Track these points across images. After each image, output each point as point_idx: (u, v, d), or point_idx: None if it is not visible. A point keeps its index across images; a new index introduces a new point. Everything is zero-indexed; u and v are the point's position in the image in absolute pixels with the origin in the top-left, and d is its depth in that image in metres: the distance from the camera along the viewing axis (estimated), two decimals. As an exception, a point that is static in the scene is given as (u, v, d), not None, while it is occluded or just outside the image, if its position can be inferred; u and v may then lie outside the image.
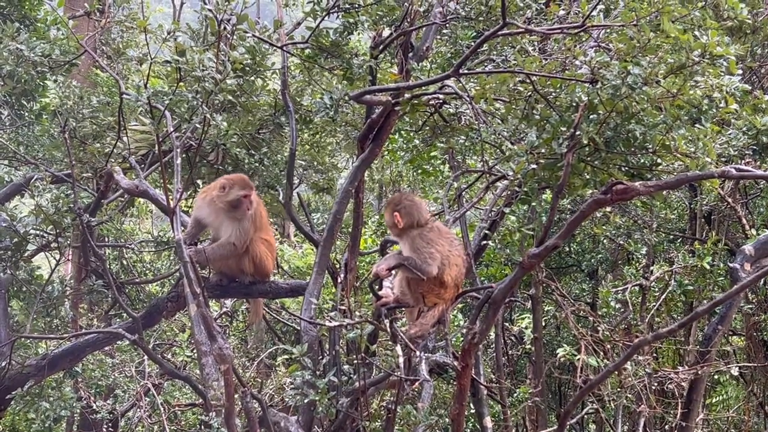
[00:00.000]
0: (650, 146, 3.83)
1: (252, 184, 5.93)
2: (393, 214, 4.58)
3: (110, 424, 8.33)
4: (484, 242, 6.01)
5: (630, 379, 6.77)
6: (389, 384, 5.44)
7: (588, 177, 4.12)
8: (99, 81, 8.21)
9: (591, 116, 3.97)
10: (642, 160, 3.93)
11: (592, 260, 8.97)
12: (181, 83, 5.15)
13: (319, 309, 5.47)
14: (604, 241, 9.25)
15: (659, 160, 3.87)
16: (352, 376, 5.18)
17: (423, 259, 4.37)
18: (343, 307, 5.21)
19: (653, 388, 6.92)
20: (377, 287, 4.73)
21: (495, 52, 5.21)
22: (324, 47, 5.74)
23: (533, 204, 4.17)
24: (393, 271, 4.54)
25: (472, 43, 4.94)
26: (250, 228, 5.98)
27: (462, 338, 6.93)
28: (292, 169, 6.23)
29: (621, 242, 8.68)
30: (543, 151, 4.05)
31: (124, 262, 8.90)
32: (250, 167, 6.91)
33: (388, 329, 4.60)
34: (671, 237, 9.00)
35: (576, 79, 3.95)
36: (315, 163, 7.89)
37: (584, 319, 8.65)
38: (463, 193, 6.97)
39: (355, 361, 5.31)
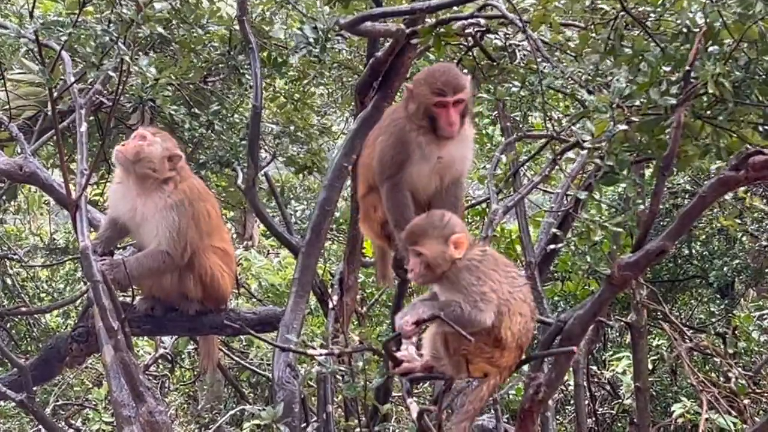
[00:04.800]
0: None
1: (165, 137, 5.99)
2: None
3: None
4: (553, 246, 5.99)
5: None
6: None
7: (708, 142, 4.10)
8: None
9: (711, 48, 3.96)
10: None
11: (725, 269, 8.95)
12: (87, 9, 5.18)
13: (304, 345, 5.52)
14: (743, 239, 9.21)
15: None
16: (352, 452, 5.23)
17: (472, 302, 4.32)
18: (338, 343, 5.25)
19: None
20: (394, 347, 4.74)
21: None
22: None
23: (625, 186, 4.16)
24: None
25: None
26: (189, 226, 6.01)
27: (521, 392, 6.93)
28: (256, 137, 6.24)
29: (768, 242, 8.68)
30: (638, 103, 4.04)
31: (9, 281, 8.97)
32: (193, 134, 6.94)
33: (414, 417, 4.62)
34: None
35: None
36: (293, 128, 7.90)
37: (712, 360, 8.64)
38: (522, 169, 6.95)
39: (357, 430, 5.34)
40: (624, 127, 4.09)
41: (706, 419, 7.26)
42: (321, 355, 5.05)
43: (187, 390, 10.67)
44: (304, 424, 5.74)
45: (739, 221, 8.34)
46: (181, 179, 6.04)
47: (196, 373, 10.08)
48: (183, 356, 10.03)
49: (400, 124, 5.03)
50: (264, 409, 5.05)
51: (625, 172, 4.25)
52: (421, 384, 9.23)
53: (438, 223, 4.38)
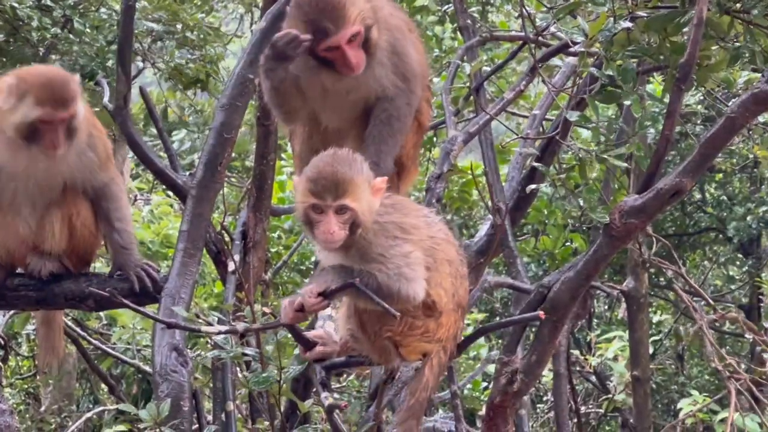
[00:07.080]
0: None
1: (71, 92, 5.88)
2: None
3: None
4: (531, 187, 6.03)
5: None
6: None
7: (738, 44, 4.18)
8: None
9: None
10: None
11: (749, 218, 9.06)
12: None
13: (193, 319, 5.52)
14: (772, 181, 9.37)
15: None
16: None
17: (395, 271, 4.27)
18: (241, 319, 5.31)
19: None
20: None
21: None
22: None
23: (628, 103, 4.24)
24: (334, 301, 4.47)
25: None
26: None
27: (479, 385, 7.07)
28: (129, 40, 6.26)
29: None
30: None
31: None
32: (44, 35, 6.91)
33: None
34: None
35: None
36: (179, 27, 7.88)
37: (737, 339, 8.82)
38: (486, 83, 7.00)
39: (268, 433, 5.42)
40: (627, 24, 4.16)
41: (723, 419, 7.41)
42: (219, 333, 5.08)
43: (25, 386, 10.66)
44: (196, 426, 5.78)
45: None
46: None
47: (37, 363, 10.04)
48: (19, 340, 10.01)
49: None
50: (140, 409, 5.07)
51: (629, 85, 4.30)
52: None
53: (357, 165, 4.30)
